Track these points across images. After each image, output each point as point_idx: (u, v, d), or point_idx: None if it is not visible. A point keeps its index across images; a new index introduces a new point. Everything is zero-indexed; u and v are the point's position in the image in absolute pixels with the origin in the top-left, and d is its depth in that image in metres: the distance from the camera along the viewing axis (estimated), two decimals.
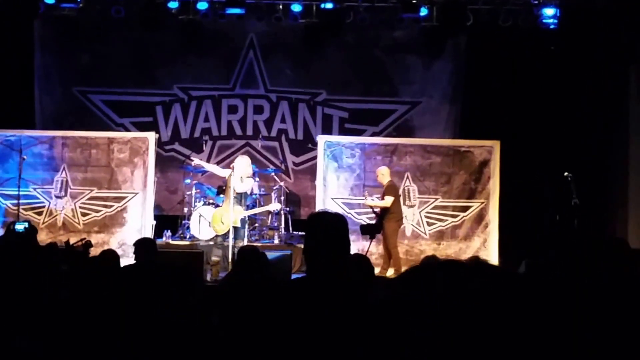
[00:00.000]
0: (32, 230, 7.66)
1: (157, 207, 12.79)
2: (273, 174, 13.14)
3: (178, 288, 2.97)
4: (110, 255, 6.19)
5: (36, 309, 3.42)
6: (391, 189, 11.37)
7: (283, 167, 13.78)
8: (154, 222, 12.32)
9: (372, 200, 11.51)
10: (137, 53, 13.68)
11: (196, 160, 11.61)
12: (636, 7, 12.14)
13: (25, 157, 12.02)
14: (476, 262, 1.57)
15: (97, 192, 12.37)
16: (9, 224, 8.28)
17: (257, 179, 12.61)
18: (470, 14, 12.71)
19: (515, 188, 12.52)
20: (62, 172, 12.38)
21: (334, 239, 3.23)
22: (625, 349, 2.59)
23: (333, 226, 3.29)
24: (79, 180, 12.41)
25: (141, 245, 7.13)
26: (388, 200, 11.23)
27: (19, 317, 3.28)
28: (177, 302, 2.84)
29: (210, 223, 10.98)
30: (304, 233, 3.89)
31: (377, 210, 11.44)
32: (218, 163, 13.21)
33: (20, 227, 7.46)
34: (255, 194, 12.43)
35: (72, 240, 8.81)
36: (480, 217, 12.31)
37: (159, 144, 12.98)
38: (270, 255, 9.65)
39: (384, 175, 11.53)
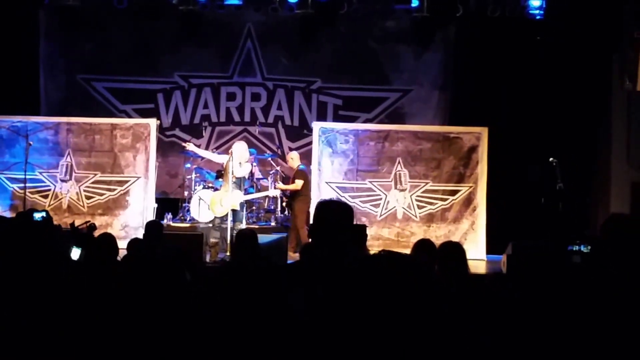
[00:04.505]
0: (49, 219, 8.00)
1: (158, 190, 12.96)
2: (270, 158, 13.31)
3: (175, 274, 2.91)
4: (107, 239, 6.26)
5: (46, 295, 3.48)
6: (300, 173, 12.04)
7: (279, 152, 13.89)
8: (156, 205, 12.53)
9: (282, 184, 12.48)
10: (138, 42, 13.79)
11: (191, 147, 11.40)
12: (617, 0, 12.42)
13: (31, 142, 12.25)
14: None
15: (100, 176, 12.59)
16: (26, 212, 8.48)
17: (256, 163, 12.83)
18: (459, 5, 12.90)
19: (502, 173, 12.69)
20: (67, 156, 12.61)
21: (339, 227, 3.50)
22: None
23: (339, 215, 3.55)
24: (83, 164, 12.62)
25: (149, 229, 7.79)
26: (298, 184, 11.95)
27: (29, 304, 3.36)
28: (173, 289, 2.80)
29: (209, 206, 11.08)
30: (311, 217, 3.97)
31: (287, 192, 12.33)
32: (217, 148, 13.42)
33: (38, 215, 7.77)
34: (257, 178, 12.68)
35: (77, 223, 9.08)
36: (468, 201, 12.53)
37: (160, 129, 13.20)
38: (267, 238, 10.01)
39: (293, 160, 12.26)
